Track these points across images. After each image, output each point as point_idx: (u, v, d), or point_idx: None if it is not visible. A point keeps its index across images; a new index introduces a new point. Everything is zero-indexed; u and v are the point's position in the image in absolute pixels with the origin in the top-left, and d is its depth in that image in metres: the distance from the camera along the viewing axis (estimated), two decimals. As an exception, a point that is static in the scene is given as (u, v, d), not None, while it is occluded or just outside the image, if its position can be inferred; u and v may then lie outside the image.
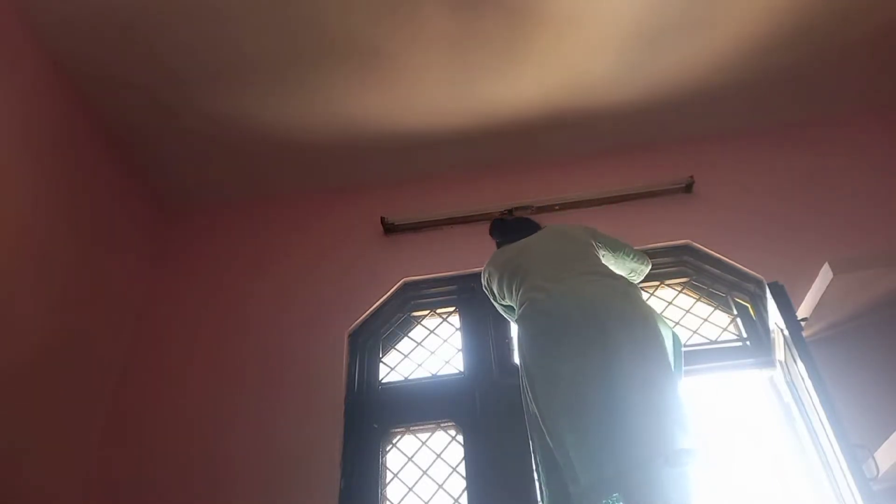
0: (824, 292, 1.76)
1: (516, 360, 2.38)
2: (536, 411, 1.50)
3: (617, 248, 2.01)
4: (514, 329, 2.19)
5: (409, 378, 2.45)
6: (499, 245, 2.15)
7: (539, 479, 1.53)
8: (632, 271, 2.07)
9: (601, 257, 1.91)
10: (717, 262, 2.52)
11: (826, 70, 2.69)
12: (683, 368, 1.70)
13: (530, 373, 1.56)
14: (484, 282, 2.08)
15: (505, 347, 2.44)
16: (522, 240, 2.00)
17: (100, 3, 2.18)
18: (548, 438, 1.45)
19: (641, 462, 1.31)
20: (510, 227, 2.18)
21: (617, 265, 2.00)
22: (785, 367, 2.02)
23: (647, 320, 1.55)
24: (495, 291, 1.99)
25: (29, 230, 2.17)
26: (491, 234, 2.25)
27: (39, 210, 2.22)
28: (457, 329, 2.58)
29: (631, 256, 2.04)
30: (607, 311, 1.53)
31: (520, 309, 1.73)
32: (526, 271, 1.81)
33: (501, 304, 2.03)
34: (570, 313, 1.54)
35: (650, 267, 2.14)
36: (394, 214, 2.83)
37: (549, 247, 1.88)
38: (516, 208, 2.77)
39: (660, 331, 1.57)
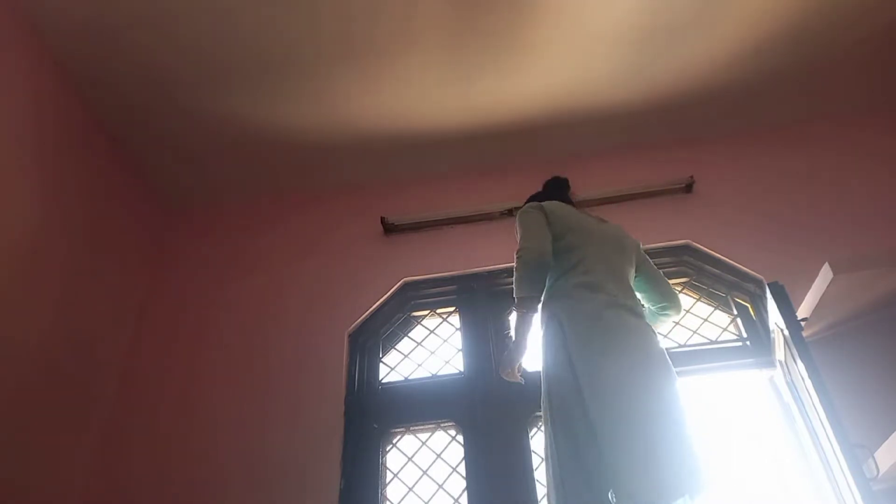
0: (824, 292, 1.76)
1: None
2: (584, 409, 1.40)
3: (655, 270, 1.90)
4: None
5: (409, 378, 2.45)
6: (544, 198, 1.96)
7: (552, 475, 1.42)
8: (659, 308, 1.89)
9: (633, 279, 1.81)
10: (717, 262, 2.52)
11: (826, 70, 2.69)
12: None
13: (576, 367, 1.45)
14: (543, 208, 1.80)
15: (505, 347, 2.44)
16: (586, 217, 1.84)
17: (101, 5, 2.18)
18: (580, 442, 1.38)
19: (676, 487, 1.30)
20: (565, 187, 2.04)
21: (644, 292, 1.89)
22: (785, 367, 2.02)
23: (670, 363, 1.57)
24: (551, 222, 1.75)
25: (29, 230, 2.17)
26: (548, 183, 2.06)
27: (40, 209, 2.22)
28: (457, 329, 2.58)
29: (664, 302, 1.88)
30: (647, 345, 1.53)
31: (562, 288, 1.62)
32: (581, 259, 1.66)
33: (543, 226, 1.75)
34: (618, 331, 1.52)
35: (677, 315, 1.92)
36: (394, 214, 2.83)
37: (607, 253, 1.72)
38: (516, 208, 2.76)
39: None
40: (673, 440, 1.37)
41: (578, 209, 1.91)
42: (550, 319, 1.60)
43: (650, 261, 1.92)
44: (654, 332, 1.63)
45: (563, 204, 1.87)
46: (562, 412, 1.44)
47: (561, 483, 1.39)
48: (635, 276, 1.85)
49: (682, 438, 1.38)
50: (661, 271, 1.93)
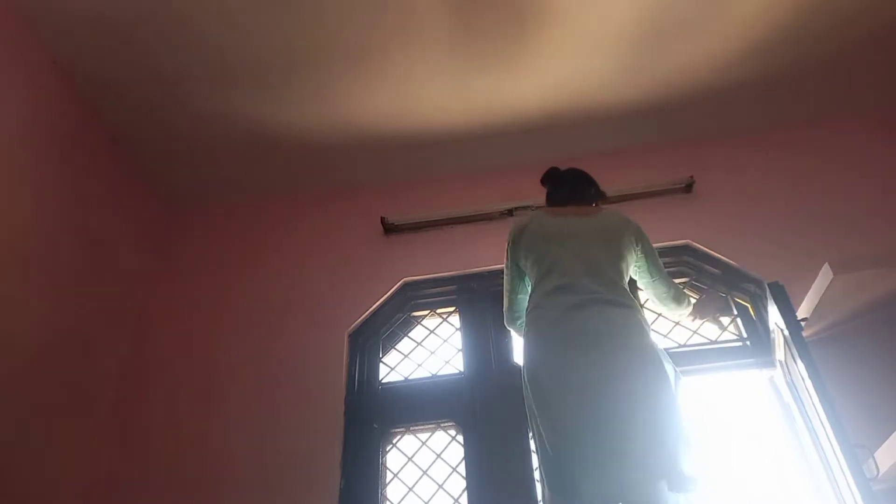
0: (824, 292, 1.76)
1: (517, 359, 2.39)
2: (537, 415, 1.49)
3: (654, 274, 1.86)
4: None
5: (409, 378, 2.45)
6: (548, 196, 1.99)
7: (542, 479, 1.50)
8: (661, 301, 1.92)
9: (628, 269, 1.76)
10: (717, 262, 2.52)
11: (826, 71, 2.69)
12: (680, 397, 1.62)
13: (537, 375, 1.53)
14: (511, 233, 1.86)
15: (505, 347, 2.44)
16: (565, 219, 1.80)
17: (100, 5, 2.18)
18: (547, 445, 1.44)
19: (642, 481, 1.32)
20: (565, 179, 1.99)
21: (647, 288, 1.89)
22: (785, 367, 2.02)
23: (652, 352, 1.54)
24: (520, 256, 1.81)
25: (29, 230, 2.17)
26: (542, 182, 2.04)
27: (40, 210, 2.22)
28: (457, 329, 2.58)
29: (666, 290, 1.89)
30: (615, 339, 1.51)
31: (534, 299, 1.68)
32: (552, 264, 1.69)
33: (512, 274, 1.86)
34: (580, 334, 1.53)
35: (686, 308, 1.96)
36: (394, 214, 2.83)
37: (586, 251, 1.70)
38: (516, 208, 2.77)
39: (663, 362, 1.55)
40: (626, 443, 1.36)
41: (563, 207, 1.87)
42: (523, 332, 1.70)
43: (652, 253, 1.84)
44: (638, 323, 1.58)
45: (537, 214, 1.86)
46: (532, 419, 1.54)
47: (542, 484, 1.48)
48: (639, 270, 1.84)
49: (637, 440, 1.36)
50: (658, 267, 1.86)
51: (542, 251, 1.74)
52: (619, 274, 1.70)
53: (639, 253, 1.81)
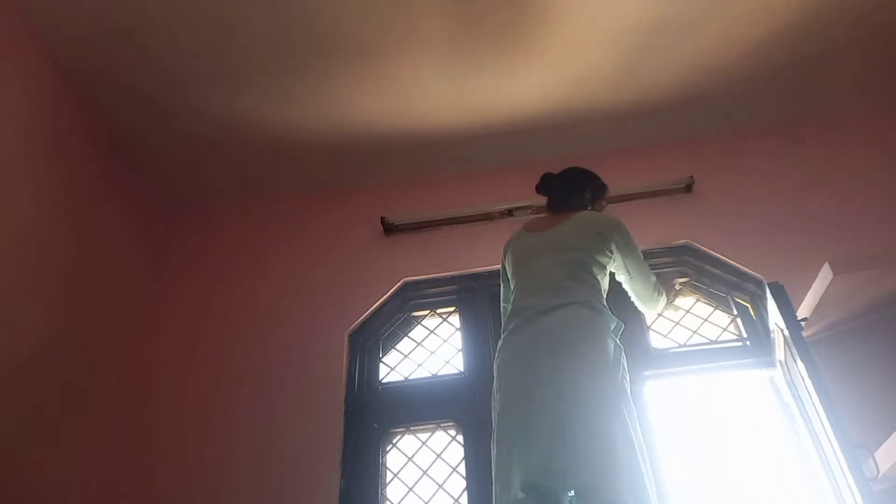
0: (824, 292, 1.76)
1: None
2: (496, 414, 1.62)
3: (631, 272, 1.82)
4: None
5: (409, 378, 2.45)
6: (546, 201, 2.02)
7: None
8: (639, 299, 1.89)
9: (593, 263, 1.73)
10: (717, 262, 2.52)
11: (826, 70, 2.69)
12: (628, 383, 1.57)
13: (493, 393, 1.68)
14: (504, 247, 1.96)
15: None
16: (535, 235, 1.85)
17: (99, 6, 2.18)
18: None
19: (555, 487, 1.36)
20: (554, 187, 2.01)
21: (625, 285, 1.88)
22: (785, 367, 2.02)
23: (583, 352, 1.52)
24: (507, 270, 1.92)
25: (29, 229, 2.17)
26: (537, 190, 2.05)
27: (39, 209, 2.22)
28: (457, 329, 2.58)
29: (643, 287, 1.86)
30: (550, 350, 1.54)
31: (511, 309, 1.76)
32: (517, 286, 1.80)
33: (504, 284, 1.96)
34: (522, 350, 1.60)
35: (661, 303, 1.93)
36: (394, 214, 2.83)
37: (541, 266, 1.74)
38: (516, 208, 2.77)
39: (603, 362, 1.51)
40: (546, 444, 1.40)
41: (555, 214, 1.91)
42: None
43: (629, 251, 1.79)
44: (575, 320, 1.57)
45: (517, 234, 1.94)
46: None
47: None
48: (617, 269, 1.82)
49: (554, 448, 1.38)
50: (636, 265, 1.81)
51: (514, 271, 1.85)
52: (573, 272, 1.69)
53: (613, 250, 1.77)
